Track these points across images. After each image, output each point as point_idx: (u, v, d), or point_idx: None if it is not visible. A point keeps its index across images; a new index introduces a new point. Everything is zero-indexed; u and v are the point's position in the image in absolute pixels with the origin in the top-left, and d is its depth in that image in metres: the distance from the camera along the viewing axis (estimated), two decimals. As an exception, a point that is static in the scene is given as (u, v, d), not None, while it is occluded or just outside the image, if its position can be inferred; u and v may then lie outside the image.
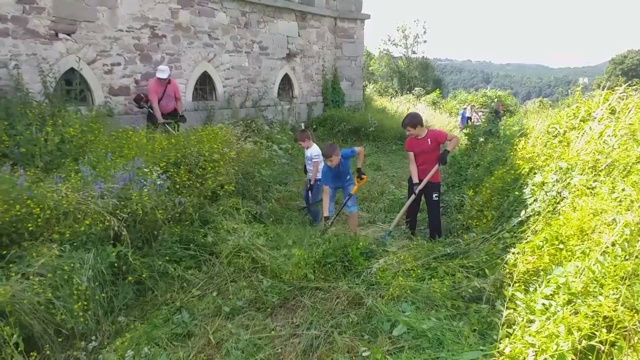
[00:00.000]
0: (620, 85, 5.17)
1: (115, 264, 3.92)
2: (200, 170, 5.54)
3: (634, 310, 2.43)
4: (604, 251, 2.81)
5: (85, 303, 3.48)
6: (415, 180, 5.69)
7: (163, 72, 7.95)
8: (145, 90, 8.27)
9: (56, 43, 7.40)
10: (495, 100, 24.38)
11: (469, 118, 19.83)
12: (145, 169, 4.60)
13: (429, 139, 5.65)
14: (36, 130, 5.45)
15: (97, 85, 8.09)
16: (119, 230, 4.02)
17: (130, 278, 3.95)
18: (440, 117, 21.14)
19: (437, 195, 5.66)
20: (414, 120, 5.69)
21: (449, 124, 20.54)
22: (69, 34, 7.55)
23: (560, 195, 3.92)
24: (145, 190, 4.30)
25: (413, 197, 5.64)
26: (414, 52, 36.89)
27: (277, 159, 8.53)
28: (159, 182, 4.45)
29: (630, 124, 4.13)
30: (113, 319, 3.76)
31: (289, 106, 12.54)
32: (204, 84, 10.47)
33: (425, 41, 39.49)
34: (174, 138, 6.09)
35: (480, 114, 20.63)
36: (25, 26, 7.00)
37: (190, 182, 5.28)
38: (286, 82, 12.68)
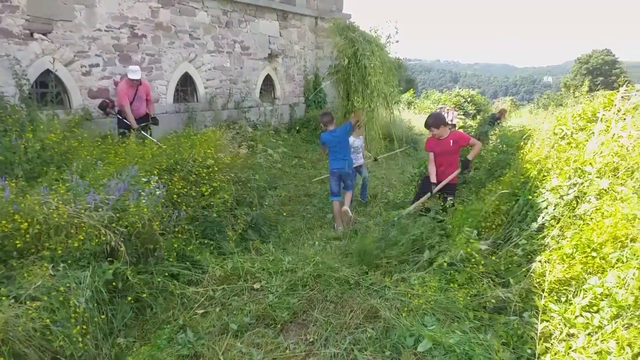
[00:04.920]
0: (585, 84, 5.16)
1: (113, 282, 3.63)
2: (194, 176, 5.26)
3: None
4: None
5: (84, 326, 3.20)
6: (434, 180, 5.59)
7: (135, 72, 7.38)
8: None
9: (31, 43, 6.98)
10: (494, 105, 24.58)
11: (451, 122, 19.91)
12: (142, 178, 4.30)
13: (451, 140, 5.60)
14: (15, 137, 5.07)
15: (75, 88, 7.68)
16: (115, 245, 3.73)
17: (129, 297, 3.66)
18: (419, 118, 21.20)
19: (452, 199, 5.52)
20: (437, 120, 5.62)
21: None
22: (44, 34, 7.14)
23: (581, 200, 3.82)
24: (143, 201, 4.00)
25: (429, 195, 5.53)
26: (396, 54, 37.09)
27: (272, 163, 8.28)
28: (157, 192, 4.16)
29: (646, 125, 4.08)
30: (112, 341, 3.48)
31: (272, 107, 12.29)
32: (185, 85, 10.14)
33: (397, 41, 39.70)
34: (154, 145, 5.76)
35: (455, 113, 20.77)
36: (-2, 25, 6.56)
37: (185, 190, 5.00)
38: (268, 82, 12.43)
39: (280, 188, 7.84)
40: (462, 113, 23.26)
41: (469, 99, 26.63)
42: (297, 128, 12.62)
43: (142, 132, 7.34)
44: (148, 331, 3.67)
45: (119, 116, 7.48)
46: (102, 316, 3.40)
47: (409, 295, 3.84)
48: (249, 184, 6.11)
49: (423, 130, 18.88)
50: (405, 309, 3.67)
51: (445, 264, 4.02)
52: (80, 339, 3.11)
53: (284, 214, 6.62)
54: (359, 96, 6.34)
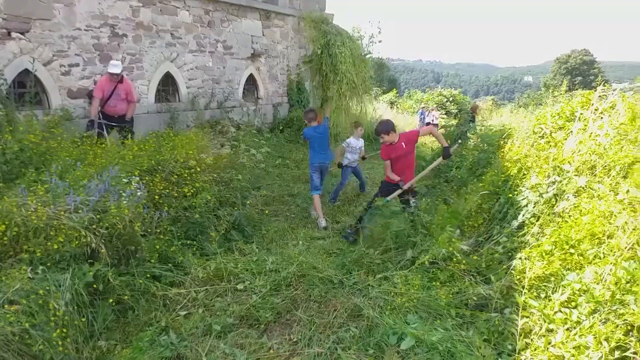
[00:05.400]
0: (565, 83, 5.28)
1: (94, 284, 3.58)
2: (176, 177, 5.22)
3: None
4: (630, 257, 2.74)
5: (64, 330, 3.15)
6: (396, 179, 5.53)
7: (115, 66, 7.18)
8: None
9: (9, 43, 6.83)
10: (472, 102, 24.79)
11: (432, 123, 20.00)
12: (123, 179, 4.25)
13: (402, 143, 5.53)
14: (-8, 138, 4.98)
15: (54, 88, 7.54)
16: (96, 247, 3.68)
17: (111, 300, 3.62)
18: (402, 118, 21.35)
19: (414, 201, 5.53)
20: (387, 126, 5.52)
21: (411, 124, 20.76)
22: (22, 33, 6.99)
23: (560, 198, 3.89)
24: (124, 202, 3.95)
25: (400, 191, 5.51)
26: (369, 52, 37.19)
27: (255, 164, 8.25)
28: (139, 193, 4.11)
29: (622, 123, 4.16)
30: (93, 344, 3.43)
31: (255, 107, 12.22)
32: (167, 85, 10.02)
33: (380, 41, 39.92)
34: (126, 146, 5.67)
35: (437, 113, 20.92)
36: (-26, 24, 6.42)
37: (167, 191, 4.95)
38: (251, 82, 12.36)
39: (264, 188, 7.81)
40: (444, 112, 23.46)
41: (451, 99, 26.87)
42: (281, 128, 12.58)
43: (104, 129, 7.14)
44: (130, 333, 3.63)
45: (98, 117, 7.31)
46: (83, 319, 3.36)
47: (392, 293, 3.87)
48: (232, 184, 6.08)
49: (406, 130, 19.05)
50: (389, 307, 3.69)
51: (427, 263, 4.05)
52: (60, 343, 3.07)
53: (268, 214, 6.61)
54: (328, 83, 6.68)
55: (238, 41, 11.46)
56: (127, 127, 7.56)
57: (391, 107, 24.08)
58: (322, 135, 6.91)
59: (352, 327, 3.58)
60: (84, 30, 7.86)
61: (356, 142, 7.68)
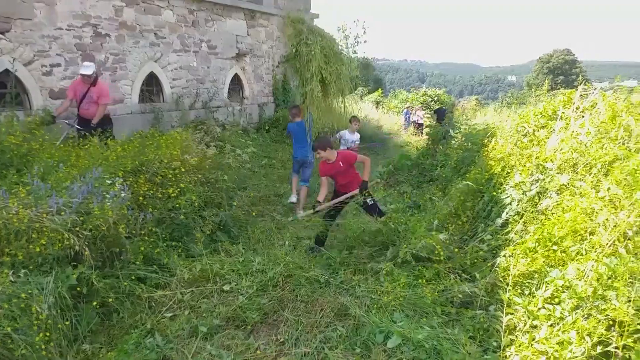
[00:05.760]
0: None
1: (77, 287, 3.54)
2: (160, 178, 5.18)
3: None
4: (611, 253, 2.79)
5: (47, 334, 3.10)
6: (320, 199, 5.58)
7: (87, 67, 6.99)
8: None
9: (-12, 42, 6.73)
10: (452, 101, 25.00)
11: (416, 122, 20.16)
12: (107, 180, 4.21)
13: (340, 162, 5.55)
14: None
15: (35, 88, 7.44)
16: (79, 249, 3.63)
17: (95, 303, 3.57)
18: (387, 117, 21.43)
19: (372, 199, 5.55)
20: (323, 143, 5.52)
21: (396, 123, 20.87)
22: (2, 33, 6.88)
23: (543, 195, 3.94)
24: (108, 203, 3.91)
25: (311, 212, 5.59)
26: (354, 52, 37.30)
27: (241, 164, 8.22)
28: (122, 194, 4.07)
29: (602, 122, 4.23)
30: (77, 348, 3.39)
31: (240, 107, 12.18)
32: (151, 85, 9.94)
33: (365, 41, 40.01)
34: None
35: (422, 112, 21.07)
36: (-48, 23, 6.30)
37: (151, 192, 4.91)
38: (236, 82, 12.31)
39: (250, 188, 7.79)
40: (429, 112, 23.63)
41: (435, 98, 27.05)
42: (267, 128, 12.55)
43: (68, 129, 6.96)
44: (115, 336, 3.59)
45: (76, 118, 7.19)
46: (66, 322, 3.31)
47: (379, 292, 3.88)
48: (218, 184, 6.05)
49: (392, 130, 19.19)
50: (375, 306, 3.70)
51: (409, 256, 4.07)
52: (43, 347, 3.02)
53: (254, 214, 6.58)
54: (303, 80, 7.14)
55: (223, 41, 11.40)
56: (103, 130, 7.08)
57: (377, 107, 24.18)
58: (303, 130, 7.44)
59: (339, 326, 3.58)
60: (66, 30, 7.77)
61: (350, 136, 8.03)
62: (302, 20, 7.91)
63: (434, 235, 4.09)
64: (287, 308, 3.91)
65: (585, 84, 5.21)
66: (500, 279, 3.46)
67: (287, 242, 5.52)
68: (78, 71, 7.91)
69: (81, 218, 3.80)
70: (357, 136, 8.27)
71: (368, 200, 5.49)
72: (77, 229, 3.70)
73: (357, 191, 5.47)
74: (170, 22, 9.87)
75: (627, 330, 2.41)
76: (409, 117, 21.70)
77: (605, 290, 2.61)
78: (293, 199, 7.49)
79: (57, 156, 5.16)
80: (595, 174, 3.80)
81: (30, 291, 3.18)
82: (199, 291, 4.14)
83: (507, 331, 3.03)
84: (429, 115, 20.39)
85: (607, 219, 3.14)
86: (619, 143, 4.09)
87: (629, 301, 2.48)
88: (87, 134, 6.51)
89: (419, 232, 4.17)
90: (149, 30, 9.39)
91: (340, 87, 8.56)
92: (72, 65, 7.91)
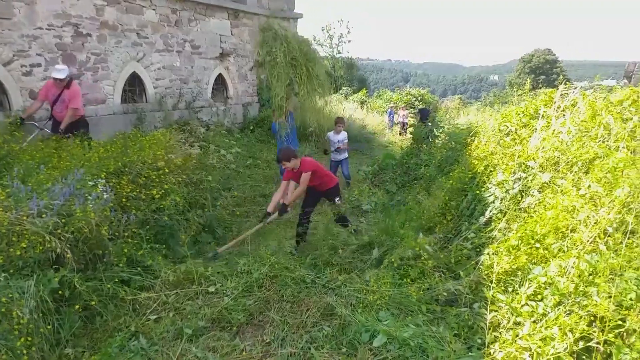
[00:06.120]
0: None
1: (59, 291, 3.48)
2: (144, 179, 5.13)
3: (628, 309, 2.46)
4: (592, 250, 2.83)
5: (28, 338, 3.05)
6: (270, 210, 5.71)
7: (59, 71, 6.80)
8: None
9: (-34, 42, 6.59)
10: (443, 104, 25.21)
11: (401, 122, 20.27)
12: (89, 182, 4.15)
13: (302, 171, 5.71)
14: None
15: (15, 89, 7.31)
16: (61, 252, 3.58)
17: (77, 306, 3.52)
18: (372, 117, 21.50)
19: (339, 199, 5.87)
20: (287, 154, 5.70)
21: (380, 123, 20.94)
22: (-20, 32, 6.76)
23: (525, 194, 3.99)
24: (90, 205, 3.86)
25: (261, 224, 5.68)
26: (339, 52, 37.41)
27: (225, 164, 8.18)
28: (105, 196, 4.02)
29: (583, 120, 4.30)
30: (60, 352, 3.34)
31: (224, 107, 12.12)
32: (134, 85, 9.83)
33: (349, 41, 40.25)
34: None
35: (407, 112, 21.20)
36: None
37: (135, 193, 4.86)
38: (220, 82, 12.25)
39: (235, 189, 7.75)
40: (412, 112, 23.78)
41: (419, 98, 27.23)
42: (251, 128, 12.50)
43: (34, 129, 6.76)
44: (98, 340, 3.54)
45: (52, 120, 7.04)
46: (48, 326, 3.26)
47: (364, 291, 3.88)
48: (202, 185, 6.02)
49: (376, 129, 19.25)
50: (361, 305, 3.71)
51: (396, 264, 4.10)
52: (24, 352, 2.97)
53: (239, 215, 6.56)
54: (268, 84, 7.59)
55: (206, 40, 11.34)
56: (75, 134, 6.74)
57: (361, 107, 24.24)
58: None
59: (325, 326, 3.57)
60: (46, 29, 7.64)
61: (334, 137, 8.50)
62: (270, 28, 8.24)
63: (420, 241, 4.12)
64: (273, 308, 3.89)
65: (565, 84, 5.29)
66: (484, 277, 3.50)
67: (272, 243, 5.53)
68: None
69: (63, 220, 3.74)
70: (342, 136, 8.57)
71: (336, 200, 5.82)
72: (59, 231, 3.64)
73: (275, 215, 5.70)
74: (152, 22, 9.77)
75: (608, 325, 2.45)
76: (392, 116, 21.82)
77: (586, 286, 2.65)
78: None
79: (38, 158, 5.08)
80: (576, 172, 3.86)
81: (10, 295, 3.12)
82: (184, 293, 4.10)
83: (491, 328, 3.06)
84: (412, 115, 20.54)
85: (587, 216, 3.19)
86: (599, 141, 4.16)
87: (610, 297, 2.52)
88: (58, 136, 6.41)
89: (407, 241, 4.20)
90: (131, 29, 9.29)
91: (314, 88, 8.83)
92: (52, 65, 7.78)
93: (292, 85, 8.42)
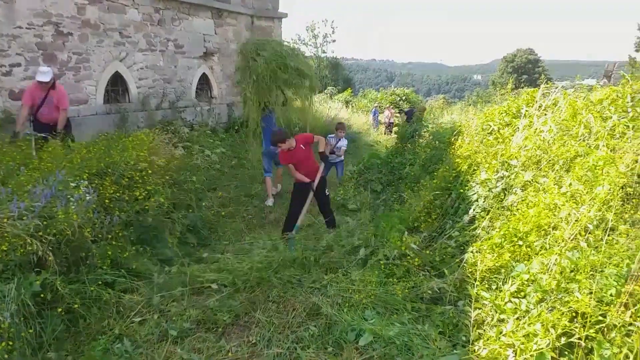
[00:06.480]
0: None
1: (41, 294, 3.43)
2: (127, 180, 5.07)
3: (608, 304, 2.50)
4: (573, 247, 2.88)
5: (10, 343, 3.00)
6: (307, 180, 5.84)
7: (44, 74, 6.67)
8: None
9: (-58, 41, 6.45)
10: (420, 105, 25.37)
11: (387, 122, 20.37)
12: (71, 183, 4.09)
13: (301, 145, 5.87)
14: None
15: (-6, 89, 7.18)
16: (43, 254, 3.53)
17: (60, 309, 3.47)
18: (357, 117, 21.57)
19: (327, 190, 6.06)
20: (281, 136, 5.80)
21: (365, 122, 21.01)
22: (-43, 31, 6.62)
23: (508, 192, 4.04)
24: (72, 207, 3.81)
25: (312, 194, 5.86)
26: (323, 52, 37.49)
27: (210, 164, 8.14)
28: (88, 197, 3.97)
29: (564, 119, 4.36)
30: (42, 356, 3.29)
31: (209, 107, 12.03)
32: (116, 85, 9.71)
33: (334, 40, 40.30)
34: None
35: (393, 111, 21.31)
36: None
37: (118, 194, 4.81)
38: (204, 82, 12.16)
39: (220, 189, 7.71)
40: (397, 111, 23.92)
41: (404, 98, 27.40)
42: (236, 128, 12.41)
43: (29, 138, 6.40)
44: (81, 343, 3.50)
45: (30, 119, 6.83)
46: (30, 330, 3.21)
47: (350, 290, 3.90)
48: (186, 186, 5.98)
49: (362, 128, 19.30)
50: (347, 304, 3.72)
51: (382, 264, 4.12)
52: (6, 356, 2.93)
53: (224, 215, 6.53)
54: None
55: (190, 40, 11.25)
56: (65, 134, 6.84)
57: (346, 106, 24.30)
58: (267, 125, 8.58)
59: (311, 325, 3.58)
60: (26, 28, 7.51)
61: (333, 140, 8.80)
62: (248, 45, 9.19)
63: (406, 241, 4.15)
64: (259, 309, 3.89)
65: (547, 83, 5.37)
66: (468, 275, 3.54)
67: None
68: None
69: (44, 222, 3.69)
70: (343, 142, 8.87)
71: (325, 191, 5.97)
72: (40, 233, 3.59)
73: (323, 165, 5.97)
74: (135, 21, 9.67)
75: (589, 321, 2.49)
76: (377, 116, 21.93)
77: (568, 283, 2.70)
78: (269, 202, 7.75)
79: (18, 159, 5.00)
80: (557, 170, 3.92)
81: (-9, 299, 3.08)
82: (169, 294, 4.07)
83: (476, 325, 3.09)
84: (397, 115, 20.65)
85: (569, 214, 3.24)
86: (580, 140, 4.23)
87: (591, 293, 2.56)
88: (47, 138, 6.26)
89: (392, 241, 4.22)
90: (114, 29, 9.18)
91: (301, 88, 9.58)
92: (33, 65, 7.66)
93: (275, 92, 9.03)
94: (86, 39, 8.60)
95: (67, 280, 3.72)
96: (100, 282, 3.90)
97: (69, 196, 3.95)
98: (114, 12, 9.14)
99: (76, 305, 3.58)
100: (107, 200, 4.64)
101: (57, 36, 8.04)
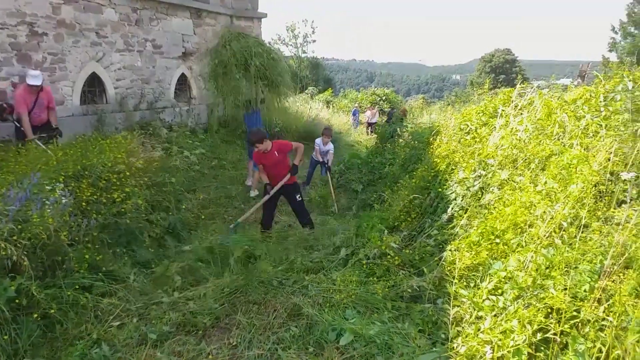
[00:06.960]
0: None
1: (16, 299, 3.37)
2: (104, 182, 5.00)
3: (582, 300, 2.56)
4: (548, 244, 2.93)
5: (-17, 350, 2.95)
6: (266, 180, 5.96)
7: (35, 77, 6.71)
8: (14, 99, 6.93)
9: None
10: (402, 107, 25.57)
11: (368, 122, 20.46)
12: (47, 186, 4.02)
13: (275, 152, 5.89)
14: None
15: (-34, 89, 7.01)
16: (18, 259, 3.46)
17: (35, 314, 3.41)
18: (338, 117, 21.61)
19: (299, 195, 6.08)
20: (259, 135, 5.81)
21: (346, 123, 21.07)
22: None
23: (486, 191, 4.09)
24: (48, 210, 3.74)
25: (268, 196, 5.92)
26: (304, 52, 37.50)
27: (189, 166, 8.07)
28: (64, 200, 3.91)
29: (539, 119, 4.44)
30: (18, 363, 3.23)
31: (188, 107, 11.92)
32: (93, 86, 9.56)
33: (314, 40, 40.37)
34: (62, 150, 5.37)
35: (374, 111, 21.41)
36: None
37: (95, 197, 4.74)
38: (183, 82, 12.05)
39: (200, 191, 7.65)
40: (380, 110, 24.05)
41: (384, 98, 27.57)
42: (216, 128, 12.32)
43: (38, 142, 6.55)
44: (58, 349, 3.43)
45: (17, 124, 6.78)
46: (5, 337, 3.15)
47: (331, 290, 3.91)
48: (165, 187, 5.91)
49: (342, 129, 19.36)
50: (328, 304, 3.73)
51: (363, 262, 4.15)
52: (-21, 364, 2.87)
53: (204, 217, 6.48)
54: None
55: (168, 40, 11.14)
56: (57, 134, 7.11)
57: (327, 107, 24.34)
58: (251, 122, 9.14)
59: (292, 326, 3.58)
60: (-1, 28, 7.36)
61: (321, 146, 9.02)
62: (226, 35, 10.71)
63: (386, 240, 4.19)
64: (240, 311, 3.87)
65: (523, 83, 5.45)
66: (447, 273, 3.58)
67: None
68: (13, 72, 7.58)
69: (19, 226, 3.62)
70: (329, 146, 8.87)
71: (296, 197, 6.00)
72: (15, 238, 3.53)
73: (288, 176, 5.92)
74: (112, 21, 9.53)
75: (564, 317, 2.54)
76: (357, 116, 22.02)
77: (543, 279, 2.75)
78: (253, 193, 8.07)
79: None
80: (533, 168, 3.99)
81: (-37, 306, 3.01)
82: (148, 298, 4.03)
83: (454, 323, 3.13)
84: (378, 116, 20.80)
85: (544, 212, 3.30)
86: (555, 139, 4.31)
87: (565, 289, 2.62)
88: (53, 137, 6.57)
89: (373, 240, 4.25)
90: (90, 29, 9.03)
91: (278, 87, 11.23)
92: (7, 66, 7.51)
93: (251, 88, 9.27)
94: (62, 39, 8.45)
95: (43, 285, 3.65)
96: (77, 287, 3.84)
97: (44, 199, 3.88)
98: (90, 12, 8.99)
99: (52, 311, 3.52)
100: (84, 203, 4.57)
101: (31, 36, 7.89)
